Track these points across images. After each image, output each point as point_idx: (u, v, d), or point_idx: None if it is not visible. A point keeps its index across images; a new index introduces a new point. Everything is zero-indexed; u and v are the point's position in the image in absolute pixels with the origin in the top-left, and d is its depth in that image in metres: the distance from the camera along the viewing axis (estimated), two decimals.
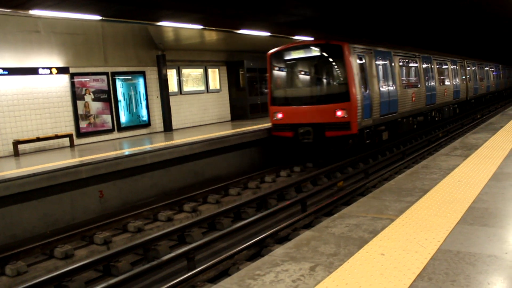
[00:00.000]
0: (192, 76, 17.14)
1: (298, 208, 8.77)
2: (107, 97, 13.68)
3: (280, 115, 12.94)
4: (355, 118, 11.91)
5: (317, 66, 13.08)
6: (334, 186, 10.11)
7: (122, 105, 14.25)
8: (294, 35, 15.47)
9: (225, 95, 18.43)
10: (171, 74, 16.26)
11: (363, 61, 12.73)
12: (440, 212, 3.54)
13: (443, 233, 3.10)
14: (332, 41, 12.53)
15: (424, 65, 17.75)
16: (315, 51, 12.81)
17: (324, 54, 12.69)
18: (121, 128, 14.22)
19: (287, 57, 13.28)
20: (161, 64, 15.22)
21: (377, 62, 13.60)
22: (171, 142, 11.61)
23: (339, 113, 11.96)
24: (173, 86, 16.29)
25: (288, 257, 2.84)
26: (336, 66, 12.71)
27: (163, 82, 15.30)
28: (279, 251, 2.98)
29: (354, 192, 9.40)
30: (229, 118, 18.58)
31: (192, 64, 17.10)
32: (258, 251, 6.70)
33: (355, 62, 12.19)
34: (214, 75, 18.03)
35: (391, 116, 14.12)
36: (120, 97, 14.13)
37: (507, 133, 8.38)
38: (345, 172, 12.05)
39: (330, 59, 12.70)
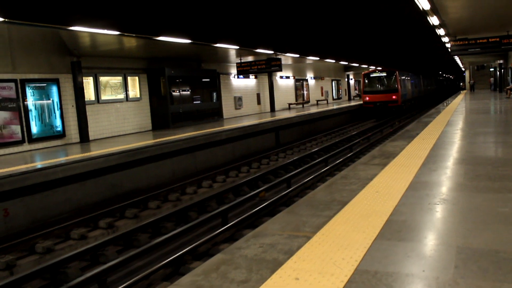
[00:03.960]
0: (111, 84, 16.44)
1: (220, 220, 8.50)
2: (16, 106, 12.73)
3: (367, 98, 29.61)
4: (400, 98, 29.28)
5: (385, 78, 30.15)
6: (257, 197, 9.94)
7: (33, 114, 13.33)
8: (216, 43, 15.24)
9: (145, 104, 17.86)
10: (88, 82, 15.49)
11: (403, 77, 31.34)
12: (358, 227, 3.42)
13: (361, 251, 2.95)
14: (392, 69, 29.96)
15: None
16: (384, 73, 30.09)
17: (388, 74, 29.94)
18: (32, 140, 13.29)
19: (371, 75, 30.63)
20: (76, 72, 14.45)
21: (407, 78, 33.44)
22: (86, 154, 10.96)
23: (394, 97, 29.05)
24: (90, 95, 15.53)
25: (195, 286, 2.56)
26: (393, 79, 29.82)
27: (79, 91, 14.52)
28: (186, 279, 2.70)
29: (276, 202, 9.29)
30: (150, 127, 18.01)
31: (110, 71, 16.40)
32: (176, 269, 6.36)
33: (400, 79, 30.04)
34: (134, 83, 17.41)
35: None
36: (30, 106, 13.21)
37: (422, 141, 8.60)
38: (267, 181, 11.94)
39: (392, 77, 29.71)
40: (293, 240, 3.28)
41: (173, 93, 18.37)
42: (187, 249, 6.63)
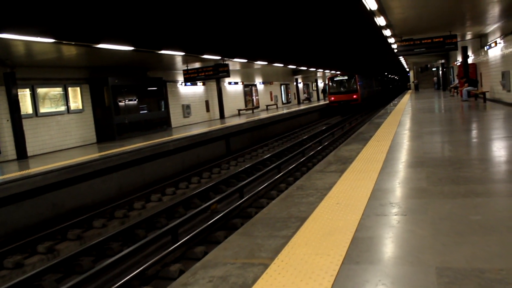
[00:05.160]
0: (50, 96, 15.49)
1: (170, 238, 7.94)
2: None
3: (332, 98, 34.68)
4: (360, 97, 34.67)
5: (347, 81, 35.29)
6: (208, 209, 9.43)
7: None
8: (160, 50, 14.63)
9: (88, 115, 16.97)
10: (25, 94, 14.51)
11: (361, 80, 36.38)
12: (322, 249, 3.00)
13: (327, 281, 2.53)
14: (353, 73, 35.35)
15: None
16: (346, 76, 35.46)
17: (349, 78, 35.21)
18: None
19: (335, 78, 35.71)
20: (10, 83, 13.46)
21: (364, 80, 38.25)
22: (22, 173, 10.11)
23: (354, 96, 34.30)
24: (27, 108, 14.54)
25: None
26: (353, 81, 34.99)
27: (14, 104, 13.53)
28: None
29: (229, 214, 8.82)
30: (94, 140, 17.13)
31: (49, 82, 15.46)
32: None
33: (359, 81, 35.39)
34: (75, 94, 16.51)
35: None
36: None
37: (377, 143, 8.36)
38: (219, 191, 11.45)
39: (352, 80, 34.93)
40: (248, 270, 2.82)
41: (119, 103, 17.58)
42: (133, 273, 6.04)
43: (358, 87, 34.95)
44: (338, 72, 38.00)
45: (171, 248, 6.92)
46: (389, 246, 3.11)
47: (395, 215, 3.75)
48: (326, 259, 2.86)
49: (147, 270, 6.26)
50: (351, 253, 2.95)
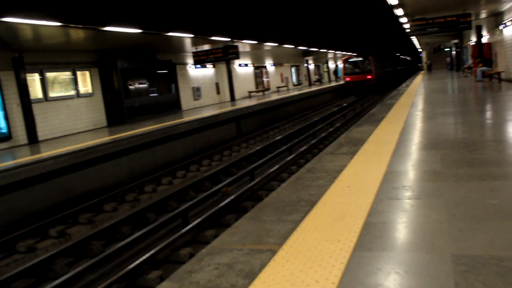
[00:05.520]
0: (59, 80, 15.44)
1: (180, 221, 7.90)
2: None
3: (348, 79, 36.68)
4: (374, 78, 36.30)
5: (362, 62, 36.76)
6: (219, 193, 9.37)
7: None
8: (168, 32, 14.48)
9: (98, 99, 16.92)
10: (34, 79, 14.47)
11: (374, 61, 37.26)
12: (332, 234, 2.89)
13: (337, 269, 2.43)
14: (368, 55, 36.77)
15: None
16: (361, 58, 36.78)
17: (364, 59, 36.58)
18: None
19: (350, 60, 37.34)
20: (19, 68, 13.42)
21: (377, 61, 38.82)
22: (31, 157, 10.11)
23: (368, 77, 36.09)
24: (37, 92, 14.51)
25: None
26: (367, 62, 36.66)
27: (23, 88, 13.51)
28: None
29: (240, 197, 8.75)
30: (105, 124, 17.10)
31: (57, 66, 15.38)
32: (133, 281, 5.74)
33: (373, 62, 36.74)
34: (84, 77, 16.44)
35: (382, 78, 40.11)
36: None
37: (389, 125, 8.20)
38: (230, 174, 11.39)
39: (366, 61, 36.55)
40: (255, 256, 2.73)
41: (128, 87, 17.50)
42: (143, 257, 6.01)
43: (373, 68, 36.61)
44: (354, 54, 38.84)
45: (181, 231, 6.88)
46: (402, 231, 3.00)
47: (409, 199, 3.63)
48: (336, 245, 2.76)
49: (157, 255, 6.23)
50: (362, 239, 2.85)
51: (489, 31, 22.59)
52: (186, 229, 7.00)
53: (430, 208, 3.37)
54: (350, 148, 6.12)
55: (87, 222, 8.83)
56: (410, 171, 4.61)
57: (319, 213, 3.39)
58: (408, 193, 3.78)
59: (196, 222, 7.25)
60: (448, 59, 42.40)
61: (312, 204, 3.66)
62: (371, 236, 2.90)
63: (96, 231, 7.62)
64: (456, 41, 35.01)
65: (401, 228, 3.05)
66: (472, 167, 4.47)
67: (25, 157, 10.32)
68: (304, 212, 3.47)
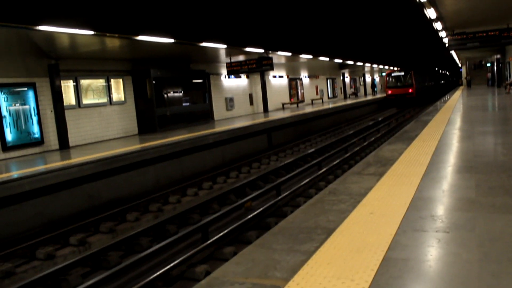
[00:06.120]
0: (93, 87, 15.59)
1: (200, 236, 7.68)
2: None
3: (390, 92, 38.00)
4: (415, 92, 37.14)
5: (403, 77, 37.89)
6: (242, 207, 9.12)
7: (7, 121, 12.47)
8: (201, 42, 14.41)
9: (131, 107, 17.00)
10: (68, 86, 14.64)
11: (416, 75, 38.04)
12: (346, 272, 2.58)
13: None
14: (409, 70, 38.06)
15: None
16: (403, 72, 38.15)
17: (406, 73, 37.75)
18: (7, 148, 12.43)
19: (392, 74, 39.03)
20: (54, 75, 13.59)
21: (418, 76, 39.52)
22: (59, 163, 10.12)
23: (410, 90, 36.96)
24: (70, 99, 14.67)
25: None
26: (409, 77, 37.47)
27: (57, 95, 13.67)
28: None
29: (264, 212, 8.48)
30: (136, 131, 17.16)
31: (92, 74, 15.55)
32: None
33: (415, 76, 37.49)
34: (117, 85, 16.56)
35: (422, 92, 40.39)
36: (4, 112, 12.35)
37: (422, 143, 7.79)
38: (257, 187, 11.13)
39: (408, 75, 37.53)
40: None
41: (161, 95, 17.53)
42: (158, 273, 5.80)
43: (414, 82, 37.91)
44: (396, 68, 42.86)
45: (199, 247, 6.65)
46: (425, 273, 2.65)
47: (436, 231, 3.27)
48: (349, 285, 2.46)
49: (171, 270, 6.01)
50: (379, 279, 2.53)
51: None
52: (204, 245, 6.77)
53: (460, 244, 3.00)
54: (378, 168, 5.77)
55: (108, 231, 8.73)
56: (441, 197, 4.25)
57: (335, 244, 3.09)
58: (436, 225, 3.42)
59: (215, 237, 7.01)
60: (489, 74, 41.14)
61: (329, 232, 3.35)
62: (389, 276, 2.57)
63: (114, 242, 7.48)
64: (498, 56, 33.90)
65: (425, 268, 2.70)
66: (511, 196, 4.06)
67: (55, 163, 10.34)
68: (319, 241, 3.17)
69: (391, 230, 3.30)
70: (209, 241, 6.93)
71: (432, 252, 2.91)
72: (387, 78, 39.47)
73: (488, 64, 43.35)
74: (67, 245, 8.18)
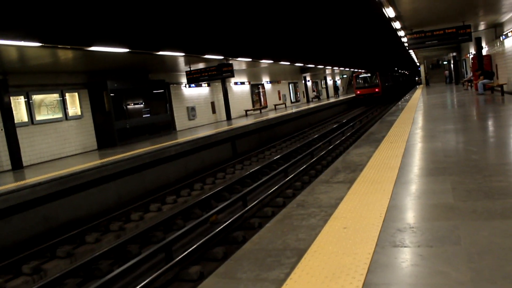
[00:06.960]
0: (46, 103, 14.87)
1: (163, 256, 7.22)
2: None
3: (358, 92, 41.67)
4: (381, 91, 41.18)
5: (370, 78, 41.87)
6: (207, 221, 8.69)
7: None
8: (158, 51, 13.93)
9: (88, 121, 16.33)
10: (19, 102, 13.90)
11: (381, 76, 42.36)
12: None
13: None
14: (375, 72, 41.85)
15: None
16: (369, 74, 42.12)
17: (372, 75, 41.81)
18: None
19: (360, 76, 42.69)
20: (2, 91, 12.85)
21: (383, 76, 43.48)
22: (8, 186, 9.46)
23: (376, 90, 40.85)
24: (22, 116, 13.93)
25: None
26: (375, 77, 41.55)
27: (7, 112, 12.92)
28: None
29: (230, 225, 8.08)
30: (95, 146, 16.49)
31: (45, 88, 14.84)
32: None
33: (380, 77, 41.99)
34: (73, 99, 15.88)
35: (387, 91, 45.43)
36: None
37: (390, 145, 7.56)
38: (222, 199, 10.73)
39: (374, 76, 41.64)
40: None
41: (120, 108, 16.91)
42: None
43: (380, 82, 41.71)
44: (361, 70, 46.83)
45: (164, 268, 6.20)
46: None
47: (418, 246, 2.95)
48: None
49: None
50: None
51: (488, 43, 22.09)
52: (167, 266, 6.32)
53: (447, 260, 2.67)
54: (347, 174, 5.46)
55: (65, 256, 8.15)
56: (417, 205, 3.95)
57: (308, 269, 2.72)
58: (416, 238, 3.10)
59: (179, 257, 6.57)
60: (446, 72, 42.00)
61: (300, 253, 2.99)
62: None
63: (72, 267, 6.95)
64: (454, 54, 34.57)
65: None
66: (492, 199, 3.78)
67: (3, 186, 9.67)
68: (289, 266, 2.80)
69: (368, 247, 2.96)
70: (173, 262, 6.48)
71: (416, 273, 2.57)
72: (356, 80, 42.77)
73: (445, 62, 44.29)
74: (20, 275, 7.55)
